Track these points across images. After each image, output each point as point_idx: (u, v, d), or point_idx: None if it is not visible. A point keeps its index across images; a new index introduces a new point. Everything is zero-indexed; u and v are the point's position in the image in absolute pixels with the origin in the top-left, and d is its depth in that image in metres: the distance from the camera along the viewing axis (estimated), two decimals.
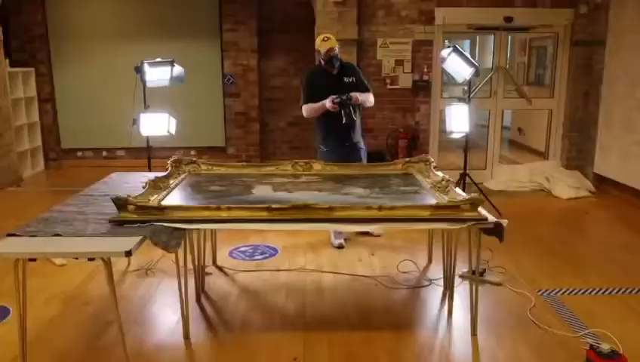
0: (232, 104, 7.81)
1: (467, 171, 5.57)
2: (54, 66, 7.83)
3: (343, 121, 4.14)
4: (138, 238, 2.51)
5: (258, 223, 2.75)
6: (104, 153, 8.14)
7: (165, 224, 2.67)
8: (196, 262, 3.42)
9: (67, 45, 7.76)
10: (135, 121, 4.94)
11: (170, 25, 7.68)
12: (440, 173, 3.53)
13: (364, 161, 4.42)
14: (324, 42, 4.20)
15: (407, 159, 3.89)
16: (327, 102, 4.11)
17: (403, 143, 6.54)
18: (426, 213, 2.77)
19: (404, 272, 3.80)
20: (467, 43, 10.90)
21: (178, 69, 4.89)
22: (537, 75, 9.46)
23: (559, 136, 6.91)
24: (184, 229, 2.69)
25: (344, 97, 4.09)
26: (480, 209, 2.80)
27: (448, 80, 7.08)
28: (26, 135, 7.40)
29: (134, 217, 2.73)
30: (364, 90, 4.30)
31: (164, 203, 2.91)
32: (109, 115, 7.69)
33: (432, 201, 2.95)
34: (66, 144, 8.03)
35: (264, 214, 2.74)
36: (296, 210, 2.72)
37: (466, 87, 5.84)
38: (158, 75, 4.83)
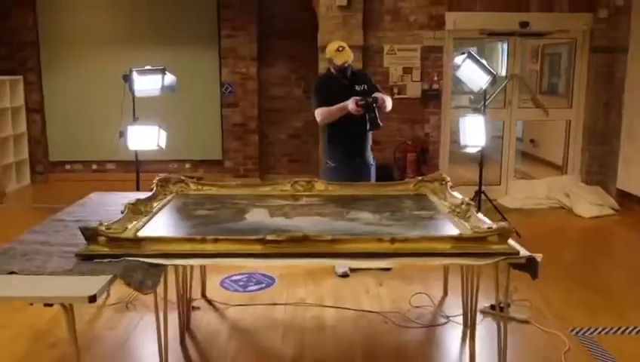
0: (229, 115, 7.44)
1: (482, 188, 5.18)
2: (44, 74, 7.48)
3: (367, 128, 3.76)
4: (107, 278, 2.14)
5: (249, 258, 2.36)
6: (94, 166, 7.77)
7: (141, 259, 2.29)
8: (181, 294, 3.04)
9: (59, 52, 7.41)
10: (122, 134, 4.57)
11: (165, 31, 7.33)
12: (458, 195, 3.16)
13: (373, 178, 4.05)
14: (340, 53, 3.87)
15: (420, 178, 3.51)
16: (350, 104, 3.70)
17: (412, 157, 6.16)
18: (446, 246, 2.38)
19: (417, 307, 3.40)
20: (474, 50, 10.52)
21: (170, 78, 4.54)
22: (551, 83, 9.08)
23: (578, 149, 6.53)
24: (163, 265, 2.31)
25: (370, 99, 3.67)
26: (510, 241, 2.41)
27: (455, 88, 6.73)
28: (12, 147, 7.05)
29: (105, 250, 2.35)
30: (379, 91, 3.95)
31: (142, 233, 2.53)
32: (100, 125, 7.30)
33: (453, 231, 2.56)
34: (54, 156, 7.67)
35: (257, 248, 2.35)
36: (294, 242, 2.34)
37: (472, 96, 5.48)
38: (148, 84, 4.49)
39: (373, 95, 3.74)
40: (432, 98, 6.22)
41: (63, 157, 7.69)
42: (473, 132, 4.57)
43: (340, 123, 3.83)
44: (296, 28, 7.31)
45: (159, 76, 4.43)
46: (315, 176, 6.92)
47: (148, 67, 4.43)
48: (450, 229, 2.62)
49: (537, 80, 9.40)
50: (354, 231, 2.61)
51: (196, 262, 2.45)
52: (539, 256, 2.34)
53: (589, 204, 5.86)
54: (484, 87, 4.46)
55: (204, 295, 3.57)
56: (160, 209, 3.00)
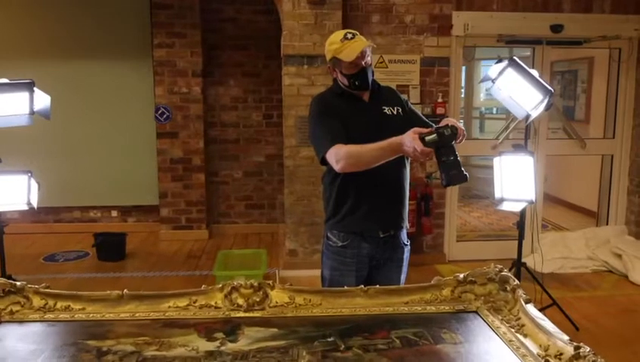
0: (166, 148, 5.89)
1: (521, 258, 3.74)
2: None
3: (444, 183, 2.10)
4: None
5: None
6: None
7: None
8: None
9: None
10: None
11: (82, 39, 5.84)
12: (542, 318, 1.71)
13: (405, 271, 2.53)
14: (349, 42, 2.30)
15: (462, 276, 2.00)
16: (409, 140, 2.08)
17: (410, 206, 4.64)
18: None
19: None
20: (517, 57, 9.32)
21: (42, 98, 2.95)
22: (564, 107, 7.80)
23: (623, 192, 5.18)
24: None
25: (446, 130, 2.00)
26: None
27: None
28: None
29: None
30: (426, 123, 2.36)
31: None
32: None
33: None
34: None
35: None
36: None
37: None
38: (4, 108, 2.89)
39: (445, 123, 2.09)
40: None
41: None
42: (517, 180, 3.10)
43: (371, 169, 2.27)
44: (255, 36, 5.90)
45: (25, 95, 2.84)
46: (279, 227, 5.25)
47: (4, 80, 2.84)
48: None
49: None
50: None
51: None
52: None
53: None
54: (533, 113, 3.00)
55: None
56: None
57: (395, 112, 2.42)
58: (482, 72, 9.24)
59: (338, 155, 2.25)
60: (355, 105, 2.40)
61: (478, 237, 6.07)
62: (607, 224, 5.29)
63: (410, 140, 2.05)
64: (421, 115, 2.53)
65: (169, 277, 4.83)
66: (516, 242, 4.90)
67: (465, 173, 2.03)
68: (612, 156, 5.19)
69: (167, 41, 5.65)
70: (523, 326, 1.70)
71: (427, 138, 2.02)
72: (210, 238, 5.95)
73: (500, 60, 3.14)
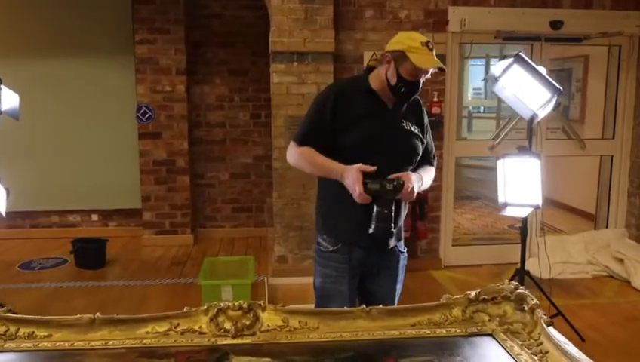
0: (149, 149, 5.67)
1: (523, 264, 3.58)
2: None
3: (371, 230, 2.14)
4: None
5: None
6: None
7: None
8: None
9: None
10: None
11: (59, 34, 5.65)
12: (571, 346, 1.53)
13: (400, 282, 2.40)
14: (429, 52, 2.16)
15: (473, 294, 1.82)
16: (351, 177, 2.13)
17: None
18: None
19: None
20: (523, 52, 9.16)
21: (9, 97, 2.73)
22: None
23: (624, 194, 5.04)
24: None
25: (389, 185, 2.09)
26: None
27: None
28: None
29: None
30: (428, 155, 2.39)
31: None
32: None
33: None
34: None
35: None
36: None
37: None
38: None
39: (399, 176, 2.13)
40: (430, 127, 4.59)
41: None
42: (522, 184, 2.93)
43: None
44: (241, 32, 5.71)
45: None
46: (268, 231, 5.15)
47: None
48: None
49: None
50: None
51: None
52: None
53: None
54: (540, 113, 2.83)
55: None
56: None
57: (410, 129, 2.29)
58: (471, 71, 9.12)
59: (295, 152, 2.29)
60: (377, 106, 2.26)
61: (473, 240, 5.92)
62: (606, 227, 5.16)
63: (353, 179, 2.11)
64: (431, 140, 2.44)
65: (151, 285, 4.61)
66: (513, 246, 4.79)
67: (393, 229, 2.16)
68: (612, 157, 5.06)
69: (149, 38, 5.42)
70: (547, 352, 1.52)
71: (369, 186, 2.11)
72: (195, 243, 5.74)
73: (503, 57, 2.97)
